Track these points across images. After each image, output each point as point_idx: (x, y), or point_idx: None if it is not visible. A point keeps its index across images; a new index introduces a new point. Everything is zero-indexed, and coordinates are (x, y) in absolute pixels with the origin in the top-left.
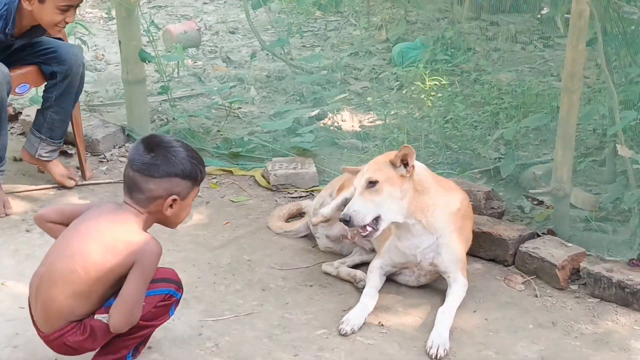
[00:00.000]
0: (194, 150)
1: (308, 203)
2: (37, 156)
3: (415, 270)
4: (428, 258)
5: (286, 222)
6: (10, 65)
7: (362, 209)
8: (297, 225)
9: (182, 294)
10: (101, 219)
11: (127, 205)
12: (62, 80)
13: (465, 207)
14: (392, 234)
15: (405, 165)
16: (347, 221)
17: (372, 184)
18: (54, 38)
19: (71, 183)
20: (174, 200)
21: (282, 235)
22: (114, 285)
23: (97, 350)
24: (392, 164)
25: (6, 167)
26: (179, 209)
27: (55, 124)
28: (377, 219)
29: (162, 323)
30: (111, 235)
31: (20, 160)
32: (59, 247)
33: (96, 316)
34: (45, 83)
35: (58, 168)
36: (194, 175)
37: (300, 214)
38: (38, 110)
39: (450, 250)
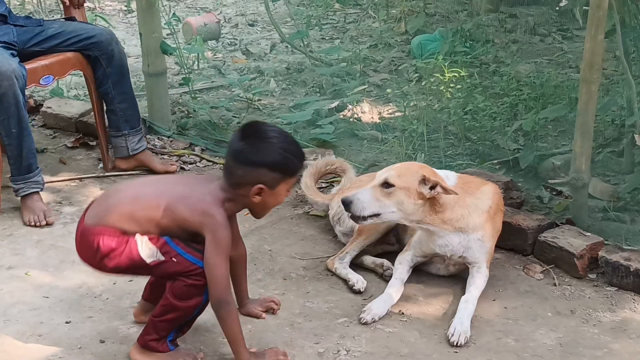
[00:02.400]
0: (292, 143)
1: (351, 172)
2: (131, 153)
3: (445, 259)
4: (458, 253)
5: (316, 184)
6: (46, 53)
7: (366, 201)
8: (321, 200)
9: None
10: (196, 178)
11: (221, 181)
12: (108, 64)
13: (496, 202)
14: None
15: (432, 188)
16: (346, 204)
17: (388, 185)
18: (70, 19)
19: (174, 168)
20: (261, 189)
21: (307, 225)
22: (180, 230)
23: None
24: (423, 180)
25: (42, 178)
26: (268, 197)
27: (128, 112)
28: (375, 215)
29: (195, 305)
30: (196, 193)
31: (42, 151)
32: (147, 181)
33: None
34: (95, 79)
35: (154, 158)
36: (284, 167)
37: (337, 175)
38: (106, 112)
39: (481, 244)
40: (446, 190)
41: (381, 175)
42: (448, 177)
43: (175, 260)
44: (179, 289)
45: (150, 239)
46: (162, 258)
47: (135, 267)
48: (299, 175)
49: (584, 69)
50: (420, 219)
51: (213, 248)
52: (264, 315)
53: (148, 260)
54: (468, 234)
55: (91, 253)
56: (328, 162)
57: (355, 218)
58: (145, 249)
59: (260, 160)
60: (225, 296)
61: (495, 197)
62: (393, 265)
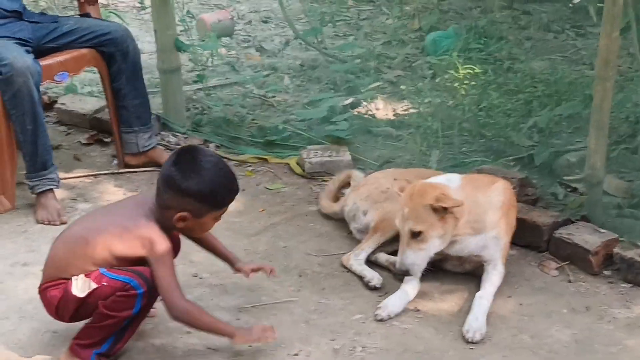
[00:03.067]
0: (225, 176)
1: (358, 174)
2: (141, 150)
3: (461, 258)
4: (474, 253)
5: (336, 196)
6: (61, 49)
7: (417, 260)
8: (336, 207)
9: (145, 290)
10: (126, 203)
11: (150, 202)
12: (122, 60)
13: (508, 197)
14: None
15: (445, 208)
16: (405, 273)
17: (415, 234)
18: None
19: None
20: (184, 217)
21: (325, 218)
22: (120, 263)
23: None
24: (434, 210)
25: (57, 175)
26: (193, 224)
27: (140, 109)
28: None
29: (124, 316)
30: (128, 222)
31: (56, 148)
32: (84, 218)
33: (73, 278)
34: (109, 74)
35: (165, 154)
36: (211, 200)
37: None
38: (118, 108)
39: (496, 242)
40: (451, 202)
41: (404, 227)
42: (451, 180)
43: (105, 284)
44: (110, 302)
45: (86, 275)
46: (95, 286)
47: (80, 306)
48: (227, 208)
49: (598, 65)
50: (454, 231)
51: (154, 264)
52: (251, 275)
53: (80, 295)
54: (484, 234)
55: (51, 309)
56: (336, 180)
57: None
58: (79, 285)
59: (188, 189)
60: (175, 302)
61: (507, 193)
62: None
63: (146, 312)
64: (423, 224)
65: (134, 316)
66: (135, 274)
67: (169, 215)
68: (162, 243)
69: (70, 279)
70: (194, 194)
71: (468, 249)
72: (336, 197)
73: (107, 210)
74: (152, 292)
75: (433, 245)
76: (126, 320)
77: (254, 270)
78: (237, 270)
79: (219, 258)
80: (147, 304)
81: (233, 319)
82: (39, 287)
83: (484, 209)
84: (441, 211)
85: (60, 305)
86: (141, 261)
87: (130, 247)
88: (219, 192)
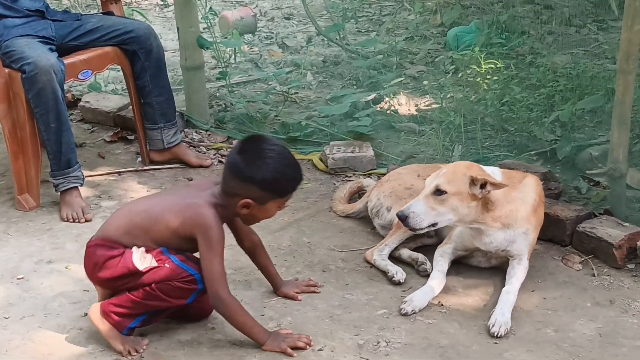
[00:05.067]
0: (289, 165)
1: (369, 182)
2: (166, 146)
3: (487, 253)
4: (502, 247)
5: (348, 202)
6: (84, 47)
7: (422, 213)
8: (358, 206)
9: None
10: (190, 186)
11: (214, 187)
12: (146, 58)
13: (539, 194)
14: None
15: (482, 186)
16: (402, 219)
17: (439, 192)
18: (107, 14)
19: (208, 162)
20: (249, 203)
21: (345, 217)
22: (177, 240)
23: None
24: (472, 180)
25: (82, 173)
26: (256, 211)
27: (164, 105)
28: (433, 225)
29: (176, 304)
30: (186, 200)
31: (80, 146)
32: (149, 196)
33: (134, 247)
34: (132, 72)
35: (189, 151)
36: (275, 188)
37: (360, 192)
38: (142, 105)
39: (525, 237)
40: (496, 185)
41: (431, 183)
42: (494, 173)
43: (167, 265)
44: (167, 288)
45: (146, 250)
46: (155, 264)
47: (128, 276)
48: (291, 195)
49: (620, 59)
50: (474, 219)
51: (205, 248)
52: (299, 297)
53: (141, 268)
54: (514, 229)
55: (90, 264)
56: (347, 189)
57: (413, 230)
58: (140, 257)
59: (252, 177)
60: (219, 293)
61: (538, 189)
62: (428, 260)
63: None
64: (453, 187)
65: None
66: (199, 266)
67: (233, 202)
68: (216, 230)
69: (124, 245)
70: (258, 182)
71: (496, 242)
72: (348, 202)
73: (171, 191)
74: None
75: (446, 214)
76: (176, 308)
77: (299, 292)
78: (282, 295)
79: (266, 277)
80: (201, 298)
81: (257, 314)
82: (89, 241)
83: (515, 205)
84: (478, 187)
85: (104, 265)
86: (192, 241)
87: (184, 225)
88: (282, 180)
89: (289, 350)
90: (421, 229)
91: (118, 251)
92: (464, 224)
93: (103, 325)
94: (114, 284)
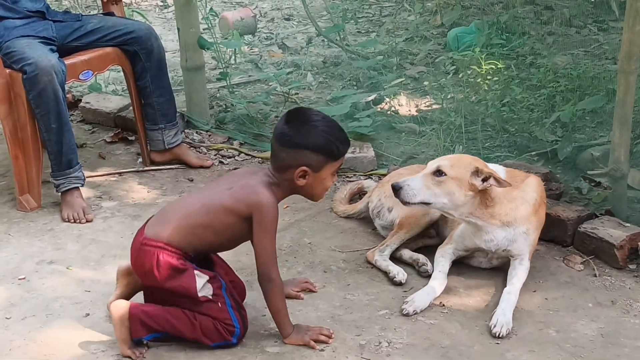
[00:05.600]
0: (336, 127)
1: (370, 183)
2: (167, 147)
3: (488, 254)
4: (502, 247)
5: (349, 203)
6: (85, 48)
7: (416, 188)
8: (359, 206)
9: (236, 343)
10: (240, 172)
11: (265, 169)
12: (147, 59)
13: (540, 194)
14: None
15: (485, 180)
16: (396, 190)
17: (439, 173)
18: (108, 15)
19: (209, 163)
20: (305, 171)
21: (346, 218)
22: (234, 224)
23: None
24: (476, 171)
25: (83, 174)
26: (313, 181)
27: (165, 106)
28: (426, 204)
29: (200, 340)
30: (241, 182)
31: (81, 146)
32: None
33: (197, 272)
34: (133, 73)
35: (190, 152)
36: (327, 149)
37: (361, 194)
38: (143, 106)
39: (526, 238)
40: (500, 182)
41: (433, 163)
42: (498, 171)
43: (220, 306)
44: (206, 324)
45: (209, 280)
46: (211, 297)
47: (184, 295)
48: (343, 159)
49: (621, 60)
50: (470, 212)
51: (259, 227)
52: (301, 295)
53: (199, 294)
54: (514, 228)
55: (147, 265)
56: (347, 190)
57: (404, 203)
58: (203, 285)
59: (303, 142)
60: (269, 273)
61: (540, 189)
62: (429, 261)
63: None
64: (454, 172)
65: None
66: (242, 320)
67: (289, 175)
68: (271, 209)
69: (186, 253)
70: (310, 145)
71: (497, 240)
72: (349, 203)
73: (222, 179)
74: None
75: (441, 196)
76: (199, 343)
77: (299, 291)
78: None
79: None
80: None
81: (259, 315)
82: (143, 239)
83: (516, 204)
84: (480, 180)
85: (168, 273)
86: (247, 220)
87: (240, 203)
88: (333, 141)
89: (312, 342)
90: (412, 203)
91: (183, 264)
92: (458, 214)
93: (121, 325)
94: (165, 293)
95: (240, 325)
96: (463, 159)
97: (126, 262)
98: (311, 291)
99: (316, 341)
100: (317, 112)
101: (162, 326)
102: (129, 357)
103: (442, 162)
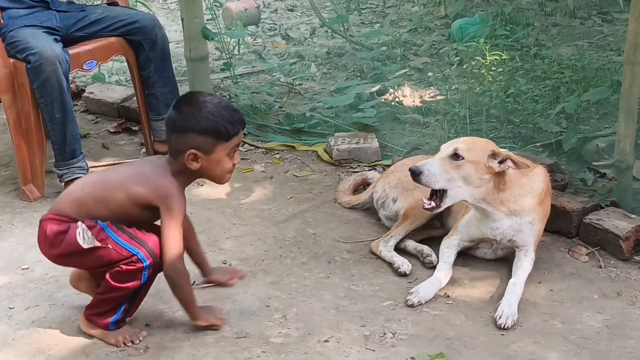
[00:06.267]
0: (225, 108)
1: (374, 174)
2: None
3: (493, 244)
4: (508, 236)
5: (353, 194)
6: (89, 38)
7: (437, 173)
8: (364, 197)
9: (150, 262)
10: (140, 161)
11: (166, 156)
12: (151, 49)
13: (546, 185)
14: (469, 210)
15: (501, 162)
16: (415, 174)
17: (457, 156)
18: (112, 5)
19: None
20: (194, 154)
21: (350, 209)
22: (134, 208)
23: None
24: (492, 153)
25: (86, 164)
26: (207, 164)
27: (169, 96)
28: (442, 195)
29: (132, 287)
30: (147, 169)
31: (84, 137)
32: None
33: (79, 223)
34: (137, 63)
35: None
36: (212, 131)
37: (365, 185)
38: (147, 96)
39: (531, 228)
40: (517, 164)
41: (449, 147)
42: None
43: (110, 247)
44: (117, 274)
45: (88, 226)
46: (98, 244)
47: (75, 253)
48: (237, 139)
49: (627, 50)
50: (483, 197)
51: (166, 218)
52: (232, 281)
53: (84, 246)
54: (520, 217)
55: (42, 240)
56: (351, 181)
57: (425, 185)
58: (83, 235)
59: (188, 125)
60: (176, 262)
61: (546, 180)
62: (434, 252)
63: (154, 278)
64: (472, 155)
65: (142, 285)
66: (140, 244)
67: (182, 160)
68: (177, 198)
69: (72, 219)
70: (194, 128)
71: (502, 229)
72: (353, 194)
73: (126, 164)
74: (157, 263)
75: (457, 181)
76: (135, 290)
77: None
78: (214, 280)
79: (195, 262)
80: (154, 273)
81: (263, 305)
82: (42, 217)
83: (524, 191)
84: (497, 162)
85: (55, 241)
86: (152, 210)
87: (146, 192)
88: (220, 122)
89: (217, 321)
90: (433, 188)
91: (65, 226)
92: (472, 199)
93: (93, 331)
94: (65, 261)
95: (137, 247)
96: (478, 141)
97: (73, 271)
98: (242, 278)
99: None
100: (207, 95)
101: (107, 306)
102: (118, 343)
103: (459, 145)
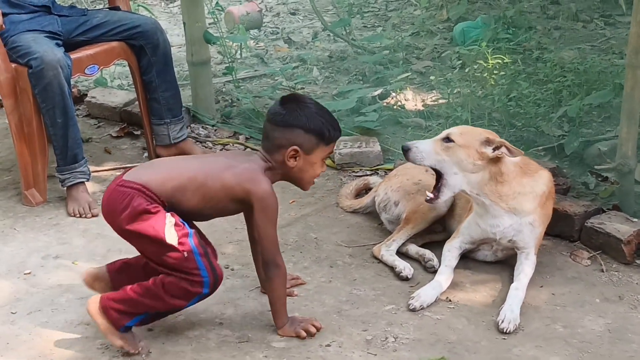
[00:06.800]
0: (328, 113)
1: (376, 179)
2: (173, 141)
3: (493, 245)
4: (508, 236)
5: (355, 198)
6: (91, 43)
7: (425, 151)
8: (365, 201)
9: (208, 292)
10: (236, 152)
11: (258, 152)
12: (153, 53)
13: (549, 188)
14: (472, 212)
15: (496, 149)
16: (405, 151)
17: (448, 139)
18: (114, 9)
19: None
20: (295, 151)
21: (352, 213)
22: (223, 200)
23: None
24: (486, 141)
25: (88, 169)
26: (303, 164)
27: (171, 101)
28: (441, 186)
29: (175, 305)
30: (240, 163)
31: (87, 141)
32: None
33: (168, 215)
34: (139, 67)
35: (195, 147)
36: (319, 131)
37: (367, 189)
38: (149, 100)
39: (531, 229)
40: (511, 151)
41: (443, 132)
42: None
43: (186, 255)
44: (171, 285)
45: (176, 225)
46: (176, 244)
47: (149, 238)
48: (333, 146)
49: (629, 54)
50: (480, 187)
51: (263, 216)
52: (295, 292)
53: (167, 241)
54: (520, 217)
55: (119, 207)
56: (353, 186)
57: (411, 161)
58: (170, 229)
59: (296, 121)
60: (277, 258)
61: (550, 184)
62: (436, 256)
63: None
64: (463, 140)
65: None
66: (211, 268)
67: (279, 156)
68: (273, 199)
69: (162, 203)
70: (302, 124)
71: (502, 227)
72: (355, 198)
73: (218, 155)
74: (209, 295)
75: (450, 164)
76: (174, 310)
77: (289, 287)
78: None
79: (258, 271)
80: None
81: (265, 309)
82: (120, 181)
83: (525, 190)
84: (491, 149)
85: (137, 217)
86: (242, 204)
87: (240, 188)
88: (325, 124)
89: (302, 332)
90: (421, 164)
91: (155, 207)
92: (470, 189)
93: (101, 320)
94: (131, 238)
95: (210, 274)
96: (474, 129)
97: (90, 268)
98: (301, 284)
99: (306, 332)
100: (311, 99)
101: (137, 308)
102: (122, 348)
103: (453, 130)
